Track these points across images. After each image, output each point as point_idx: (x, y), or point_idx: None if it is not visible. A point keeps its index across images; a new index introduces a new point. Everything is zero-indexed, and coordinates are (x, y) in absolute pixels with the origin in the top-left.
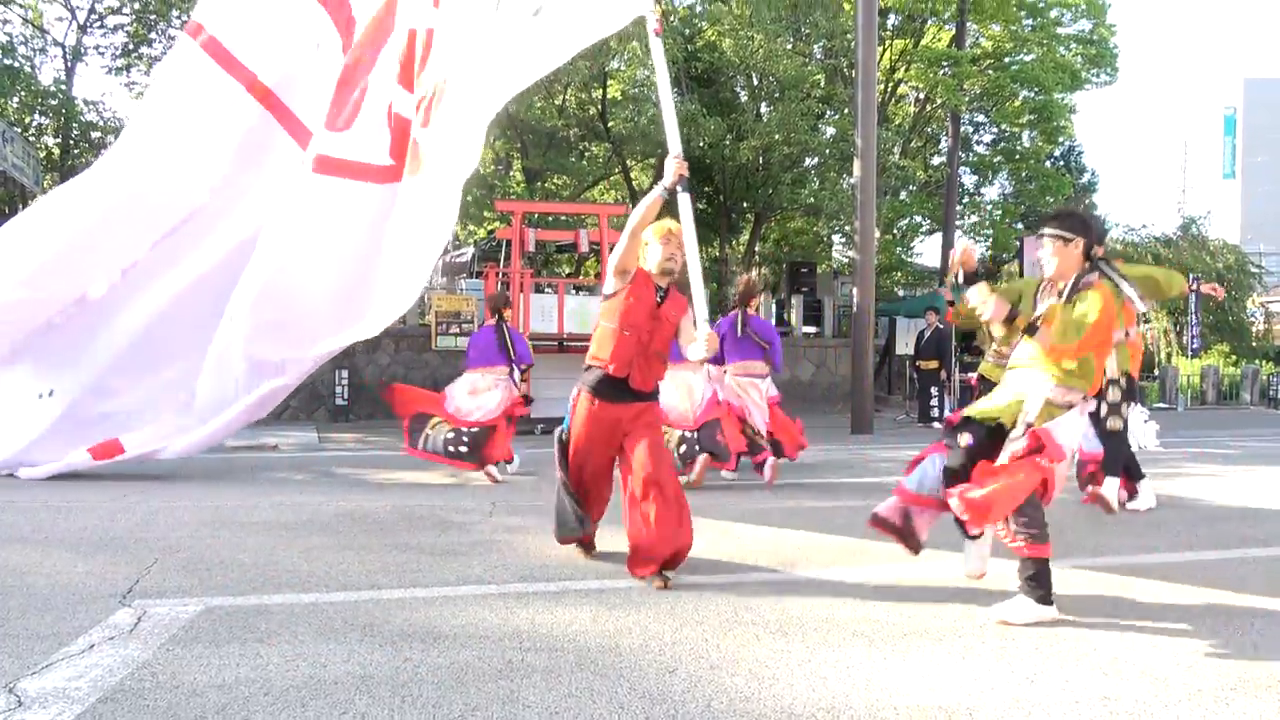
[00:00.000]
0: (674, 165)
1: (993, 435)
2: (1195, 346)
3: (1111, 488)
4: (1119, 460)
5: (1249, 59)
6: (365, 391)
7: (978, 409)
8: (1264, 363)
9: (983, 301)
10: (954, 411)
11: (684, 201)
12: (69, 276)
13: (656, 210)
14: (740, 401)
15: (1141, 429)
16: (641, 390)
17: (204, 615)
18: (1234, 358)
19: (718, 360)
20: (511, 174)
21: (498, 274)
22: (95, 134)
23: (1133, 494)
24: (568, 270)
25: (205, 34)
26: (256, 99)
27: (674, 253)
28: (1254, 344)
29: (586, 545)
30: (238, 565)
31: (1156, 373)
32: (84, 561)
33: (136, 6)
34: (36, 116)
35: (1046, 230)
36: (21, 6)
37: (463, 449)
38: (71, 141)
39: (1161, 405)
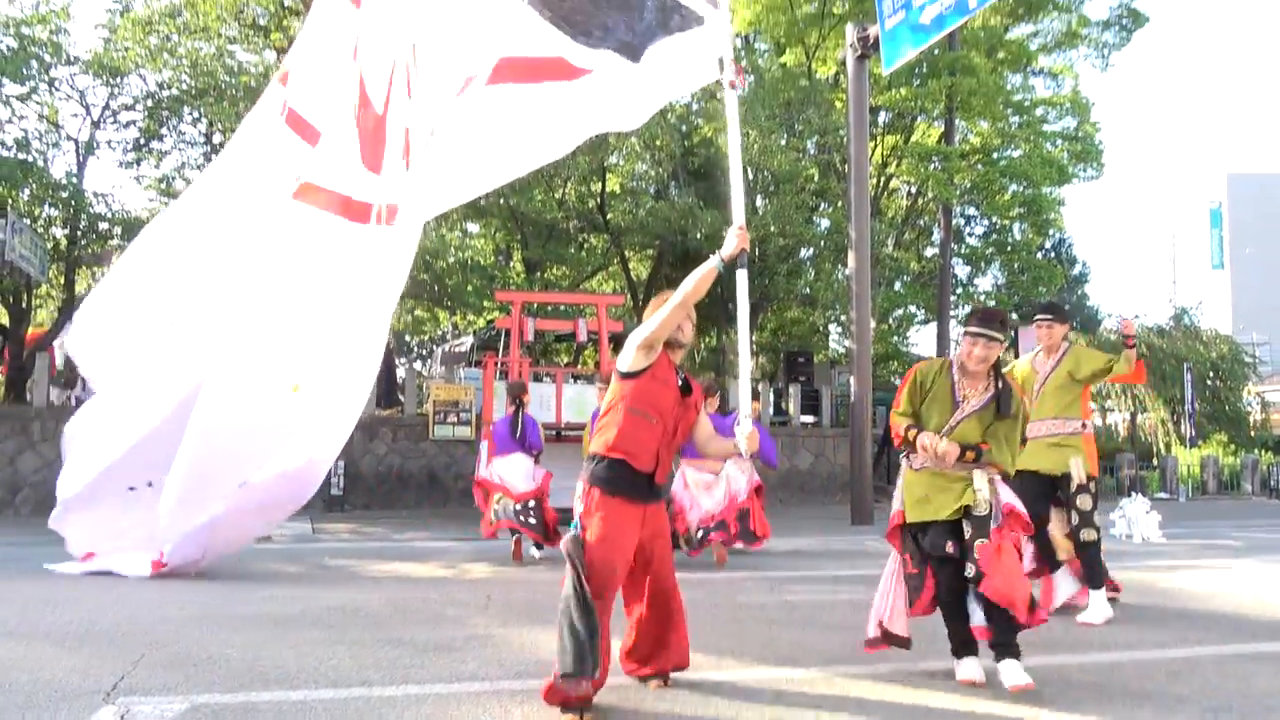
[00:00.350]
0: (736, 236)
1: (955, 530)
2: (1193, 436)
3: (1099, 603)
4: (1099, 572)
5: (1231, 154)
6: (361, 481)
7: (928, 510)
8: (1263, 452)
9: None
10: (894, 517)
11: (741, 279)
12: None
13: (709, 283)
14: (686, 496)
15: (1144, 521)
16: (660, 486)
17: (189, 713)
18: (1233, 447)
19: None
20: (512, 264)
21: (496, 363)
22: (103, 224)
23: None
24: (566, 359)
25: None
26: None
27: (683, 323)
28: (1252, 433)
29: (584, 706)
30: (225, 661)
31: (1156, 463)
32: (69, 656)
33: (150, 104)
34: (46, 208)
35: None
36: (39, 104)
37: (531, 520)
38: (79, 233)
39: (1163, 496)
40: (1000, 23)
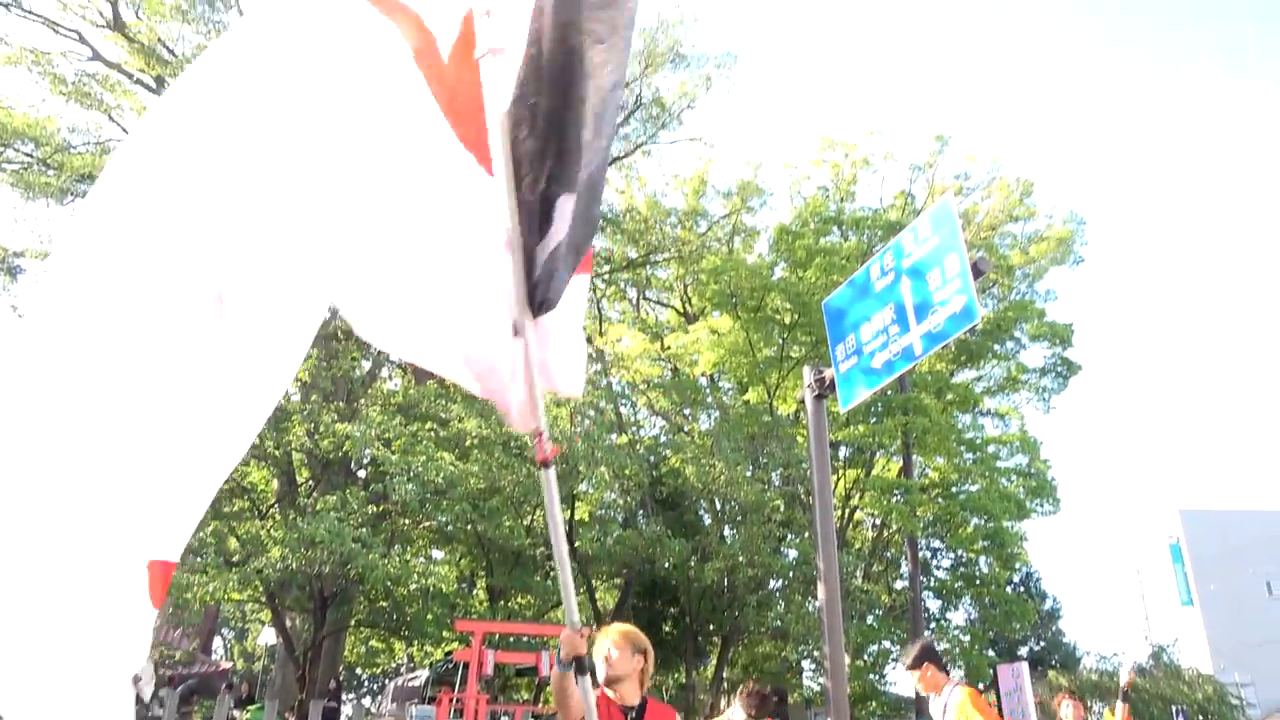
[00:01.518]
0: (566, 639)
1: None
2: None
3: None
4: None
5: (1182, 490)
6: None
7: None
8: None
9: None
10: None
11: (585, 685)
12: None
13: (570, 689)
14: None
15: None
16: None
17: None
18: None
19: None
20: (475, 593)
21: (452, 699)
22: None
23: None
24: (526, 696)
25: None
26: None
27: (607, 651)
28: None
29: None
30: None
31: None
32: None
33: None
34: None
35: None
36: None
37: None
38: None
39: None
40: (946, 368)
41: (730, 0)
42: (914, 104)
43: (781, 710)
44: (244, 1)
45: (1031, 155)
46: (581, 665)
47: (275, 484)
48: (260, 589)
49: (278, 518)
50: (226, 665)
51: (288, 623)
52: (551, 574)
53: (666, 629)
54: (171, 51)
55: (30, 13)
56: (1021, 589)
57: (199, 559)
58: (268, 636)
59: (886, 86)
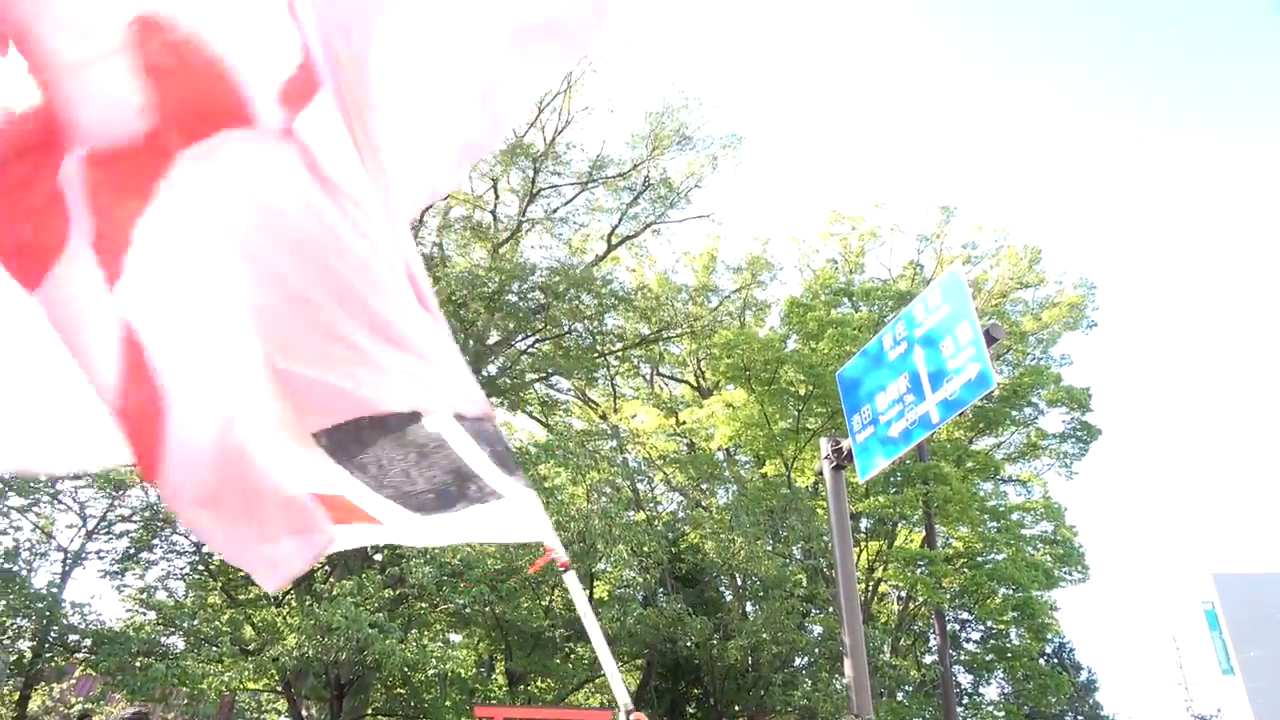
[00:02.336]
0: None
1: None
2: None
3: None
4: None
5: (1214, 553)
6: None
7: None
8: None
9: None
10: None
11: None
12: None
13: None
14: None
15: None
16: None
17: None
18: None
19: None
20: (494, 677)
21: None
22: (73, 636)
23: None
24: None
25: None
26: None
27: None
28: None
29: None
30: None
31: None
32: None
33: (146, 515)
34: (18, 619)
35: None
36: (37, 515)
37: None
38: (46, 645)
39: None
40: (964, 435)
41: (735, 82)
42: (918, 176)
43: None
44: None
45: (1038, 222)
46: None
47: None
48: (276, 678)
49: (293, 604)
50: None
51: (304, 712)
52: (572, 656)
53: (691, 710)
54: None
55: None
56: (1055, 660)
57: (214, 648)
58: None
59: (890, 160)
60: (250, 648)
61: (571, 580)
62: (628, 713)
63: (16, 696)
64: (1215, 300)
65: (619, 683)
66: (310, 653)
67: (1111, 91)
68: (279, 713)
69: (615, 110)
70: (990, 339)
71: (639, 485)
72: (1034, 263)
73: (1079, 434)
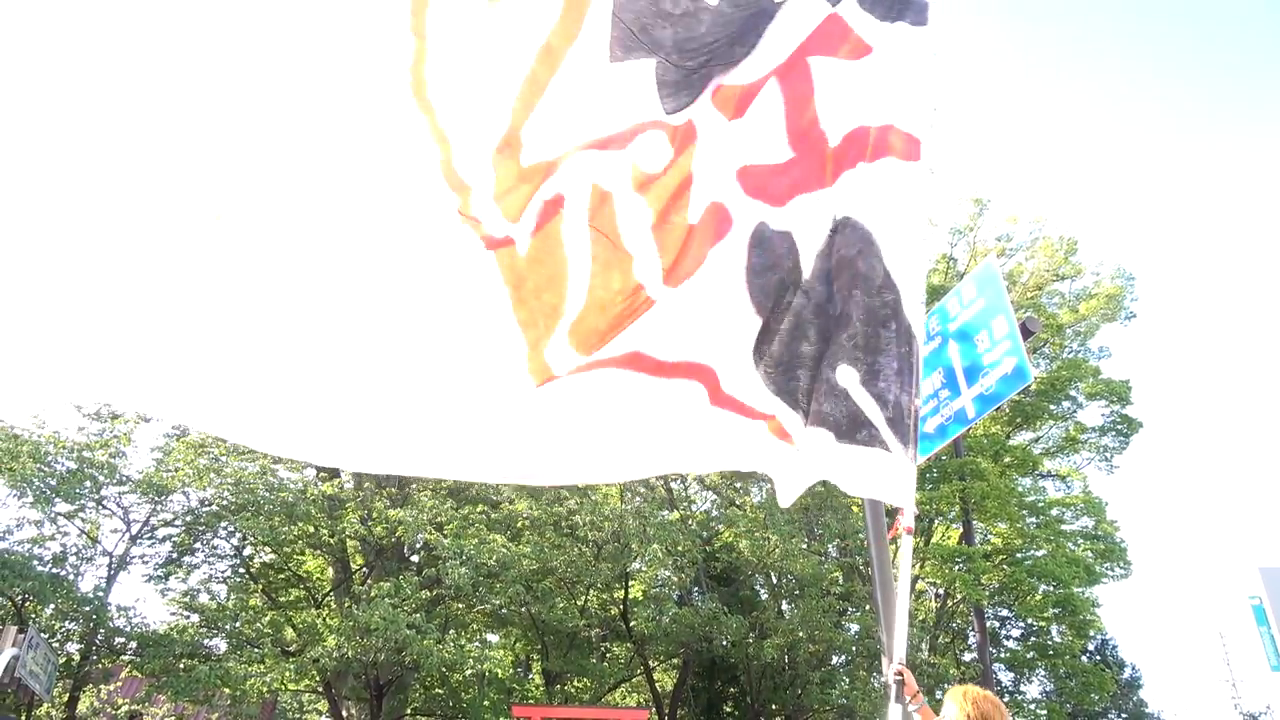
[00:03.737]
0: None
1: None
2: None
3: None
4: None
5: (1262, 547)
6: None
7: None
8: None
9: None
10: None
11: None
12: None
13: None
14: None
15: None
16: None
17: None
18: None
19: None
20: (531, 677)
21: None
22: (119, 639)
23: None
24: None
25: None
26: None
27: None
28: None
29: None
30: None
31: None
32: None
33: (188, 519)
34: (66, 623)
35: None
36: (83, 520)
37: None
38: (93, 647)
39: None
40: (1001, 430)
41: None
42: (951, 169)
43: None
44: None
45: (1075, 212)
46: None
47: (330, 572)
48: (317, 678)
49: (333, 606)
50: None
51: (344, 712)
52: (608, 656)
53: (728, 709)
54: None
55: None
56: (1097, 658)
57: (256, 650)
58: None
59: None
60: (291, 649)
61: (906, 543)
62: (898, 663)
63: (66, 698)
64: (1258, 289)
65: (894, 636)
66: (350, 653)
67: (1152, 79)
68: (320, 713)
69: None
70: (1026, 332)
71: (672, 484)
72: (1070, 254)
73: (1119, 427)
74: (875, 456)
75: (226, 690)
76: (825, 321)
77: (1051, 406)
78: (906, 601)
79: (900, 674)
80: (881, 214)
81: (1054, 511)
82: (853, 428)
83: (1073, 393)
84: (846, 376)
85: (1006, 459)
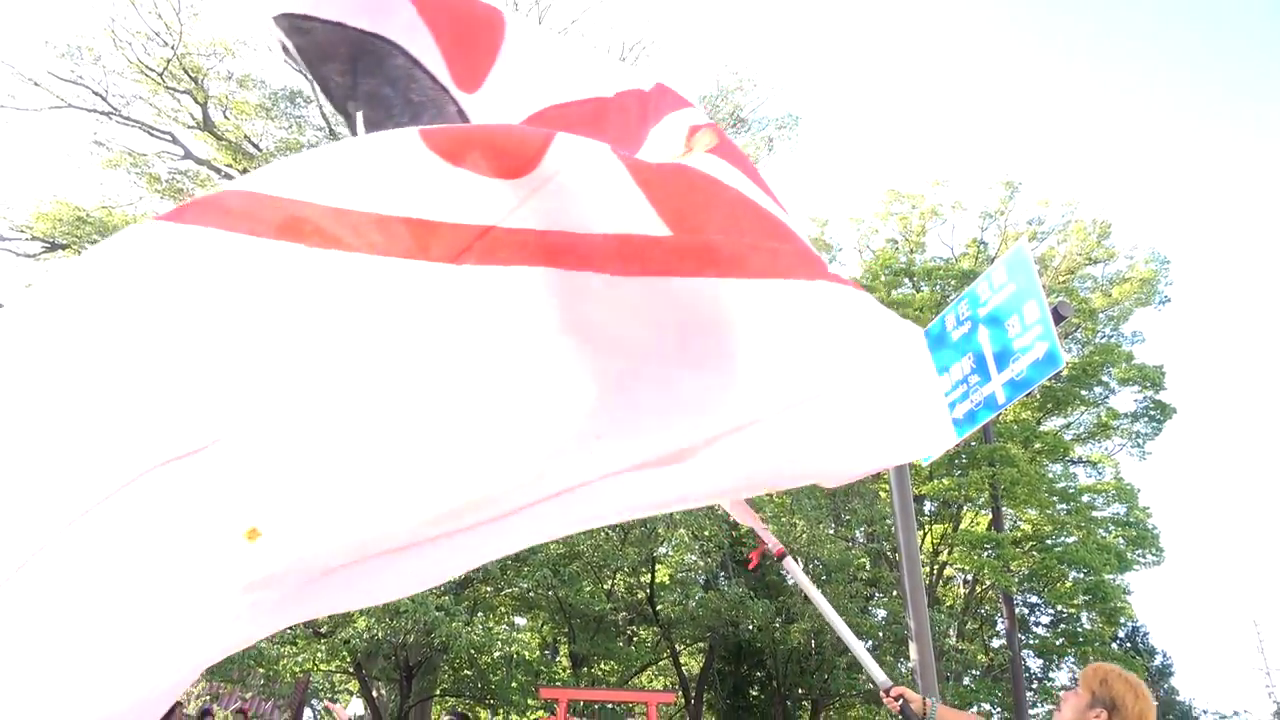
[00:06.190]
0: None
1: None
2: None
3: None
4: None
5: None
6: None
7: None
8: None
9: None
10: None
11: None
12: None
13: None
14: None
15: None
16: None
17: None
18: None
19: None
20: (558, 660)
21: None
22: None
23: None
24: None
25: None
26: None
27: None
28: None
29: None
30: None
31: None
32: None
33: None
34: None
35: None
36: None
37: None
38: None
39: None
40: (1032, 416)
41: (791, 61)
42: (981, 152)
43: None
44: (322, 99)
45: (1107, 195)
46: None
47: None
48: (348, 659)
49: None
50: None
51: (375, 693)
52: (635, 640)
53: (754, 693)
54: (256, 146)
55: (129, 119)
56: (1128, 645)
57: (289, 631)
58: (356, 707)
59: (951, 136)
60: (323, 630)
61: (790, 566)
62: (885, 691)
63: None
64: None
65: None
66: (380, 635)
67: (1188, 61)
68: (351, 693)
69: None
70: (1058, 317)
71: None
72: (1103, 237)
73: (1152, 413)
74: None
75: (260, 670)
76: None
77: (1083, 392)
78: (840, 623)
79: (900, 695)
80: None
81: (1085, 498)
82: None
83: (1105, 378)
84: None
85: (1037, 445)
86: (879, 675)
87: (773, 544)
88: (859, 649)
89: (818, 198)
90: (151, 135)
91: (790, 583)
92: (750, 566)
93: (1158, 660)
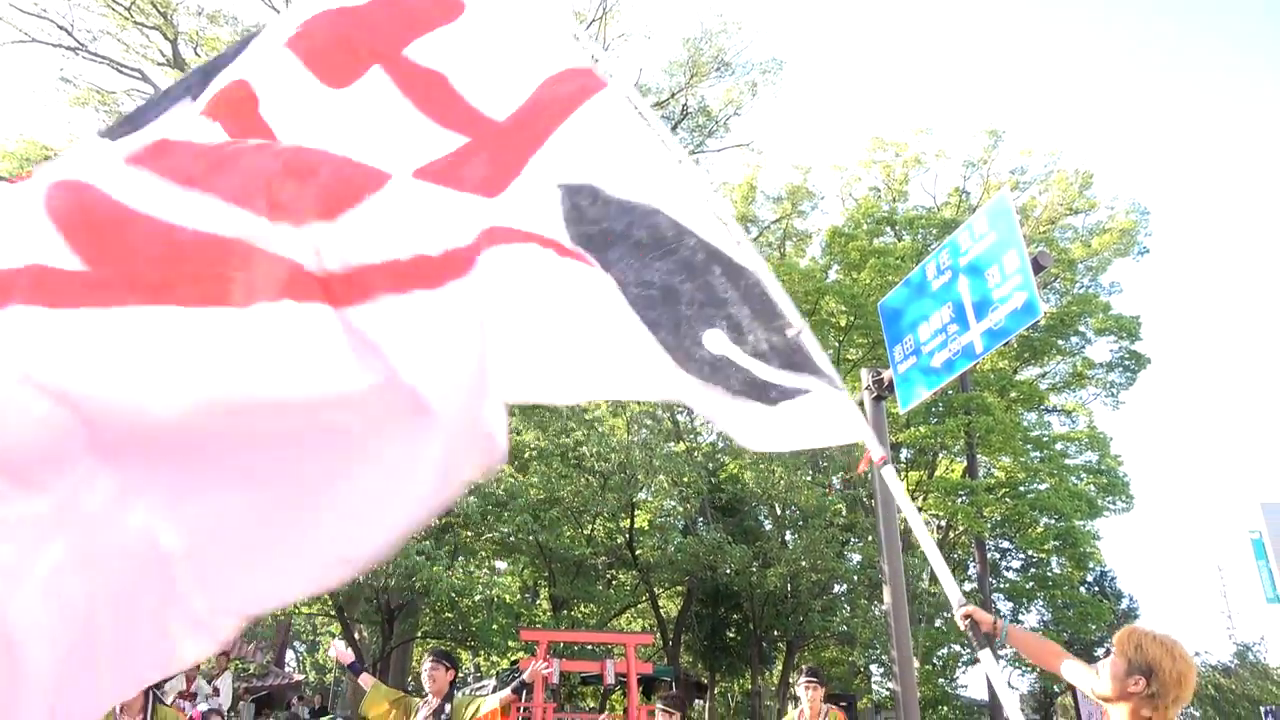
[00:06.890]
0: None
1: None
2: None
3: None
4: None
5: (1264, 483)
6: None
7: None
8: None
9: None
10: None
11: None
12: None
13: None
14: None
15: None
16: None
17: None
18: None
19: None
20: (538, 602)
21: (519, 709)
22: None
23: None
24: (592, 704)
25: None
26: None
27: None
28: None
29: None
30: None
31: None
32: None
33: None
34: None
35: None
36: None
37: None
38: None
39: None
40: (1009, 365)
41: (776, 5)
42: (965, 100)
43: (851, 717)
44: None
45: (1090, 146)
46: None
47: None
48: (329, 603)
49: None
50: (299, 677)
51: (357, 635)
52: (614, 583)
53: (731, 635)
54: None
55: (96, 55)
56: (1096, 589)
57: None
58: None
59: (936, 84)
60: None
61: (889, 474)
62: (958, 607)
63: None
64: (1272, 226)
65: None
66: (360, 579)
67: (1170, 9)
68: (333, 635)
69: (652, 37)
70: (1038, 267)
71: (679, 417)
72: (1085, 188)
73: (1127, 363)
74: (798, 406)
75: None
76: (657, 309)
77: (1060, 342)
78: (928, 538)
79: (969, 615)
80: (616, 167)
81: (1058, 446)
82: (759, 390)
83: (1082, 328)
84: (716, 341)
85: (1013, 394)
86: (955, 594)
87: (877, 452)
88: (940, 565)
89: (801, 144)
90: (120, 72)
91: (766, 528)
92: (860, 471)
93: (1124, 604)
